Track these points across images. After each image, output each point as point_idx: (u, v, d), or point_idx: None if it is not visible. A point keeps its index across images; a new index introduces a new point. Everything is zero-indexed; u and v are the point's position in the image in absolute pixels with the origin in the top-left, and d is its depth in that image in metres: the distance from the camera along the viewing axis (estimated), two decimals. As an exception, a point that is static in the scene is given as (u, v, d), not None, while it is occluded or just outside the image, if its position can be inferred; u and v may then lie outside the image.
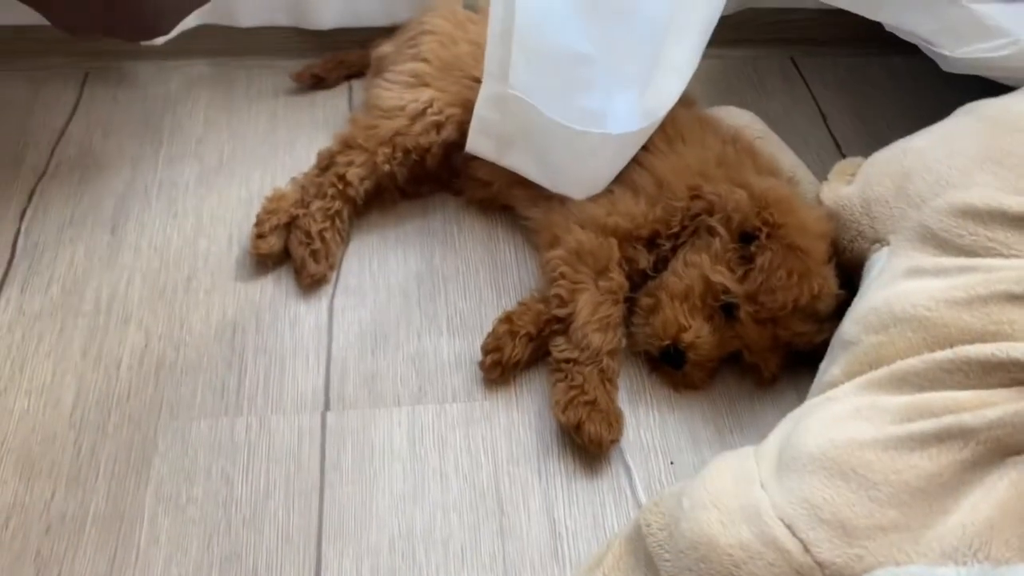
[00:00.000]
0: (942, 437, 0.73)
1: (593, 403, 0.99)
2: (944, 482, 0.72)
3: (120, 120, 1.35)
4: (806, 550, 0.70)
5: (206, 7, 1.34)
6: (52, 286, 1.12)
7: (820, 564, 0.70)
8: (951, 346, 0.81)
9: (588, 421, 0.98)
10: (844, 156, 1.27)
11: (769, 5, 1.53)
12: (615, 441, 1.00)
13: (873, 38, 1.39)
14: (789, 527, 0.72)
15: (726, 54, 1.54)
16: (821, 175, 1.18)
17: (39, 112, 1.35)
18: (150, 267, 1.15)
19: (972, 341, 0.80)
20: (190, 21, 1.35)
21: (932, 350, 0.82)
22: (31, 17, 1.28)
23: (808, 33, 1.56)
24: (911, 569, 0.67)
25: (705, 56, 1.14)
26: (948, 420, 0.74)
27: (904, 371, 0.81)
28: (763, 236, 1.01)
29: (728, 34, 1.47)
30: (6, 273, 1.13)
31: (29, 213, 1.21)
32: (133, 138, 1.32)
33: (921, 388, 0.80)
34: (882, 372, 0.83)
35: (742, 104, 1.33)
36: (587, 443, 0.98)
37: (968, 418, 0.74)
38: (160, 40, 1.29)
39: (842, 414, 0.79)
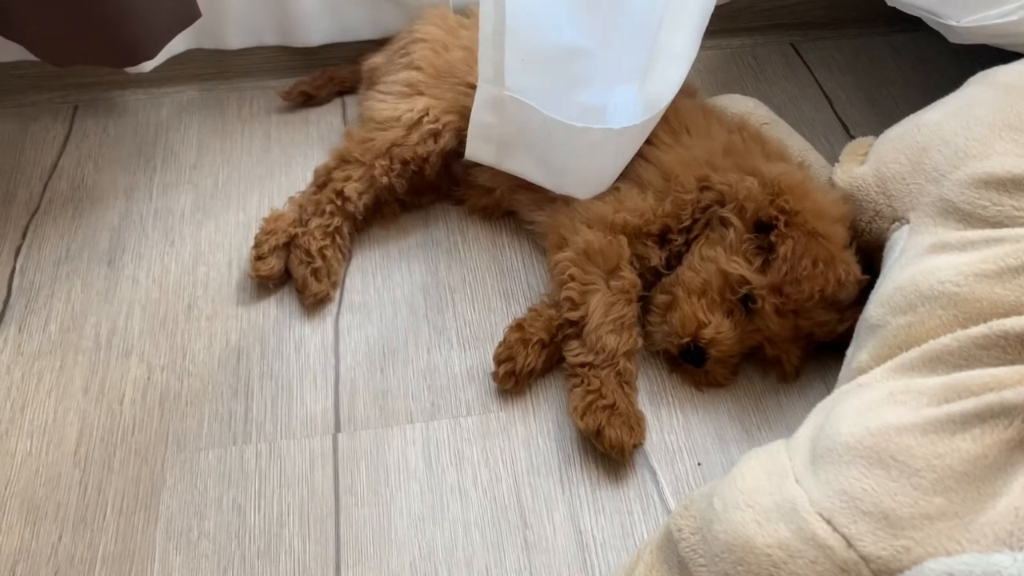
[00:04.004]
0: (984, 416, 0.69)
1: (612, 407, 0.95)
2: (990, 464, 0.68)
3: (112, 151, 1.32)
4: (849, 545, 0.66)
5: (193, 31, 1.32)
6: (50, 324, 1.09)
7: (865, 559, 0.66)
8: (984, 321, 0.77)
9: (608, 426, 0.94)
10: (853, 138, 1.24)
11: (765, -9, 1.51)
12: (638, 445, 0.96)
13: (874, 16, 1.36)
14: (829, 522, 0.68)
15: (724, 44, 1.51)
16: (831, 159, 1.15)
17: (29, 148, 1.32)
18: (149, 298, 1.12)
19: (1007, 314, 0.76)
20: (177, 46, 1.33)
21: (965, 327, 0.78)
22: (16, 53, 1.27)
23: (806, 17, 1.53)
24: (964, 558, 0.63)
25: (703, 47, 1.11)
26: (989, 398, 0.70)
27: (937, 351, 0.77)
28: (781, 224, 0.97)
29: (725, 23, 1.45)
30: (3, 313, 1.10)
31: (24, 251, 1.18)
32: (126, 168, 1.30)
33: (956, 367, 0.76)
34: (913, 353, 0.79)
35: (744, 94, 1.30)
36: (608, 449, 0.95)
37: (1010, 395, 0.69)
38: (148, 66, 1.27)
39: (875, 400, 0.75)
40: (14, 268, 1.16)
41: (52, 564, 0.89)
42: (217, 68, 1.42)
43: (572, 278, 1.02)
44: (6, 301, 1.12)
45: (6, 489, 0.94)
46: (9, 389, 1.03)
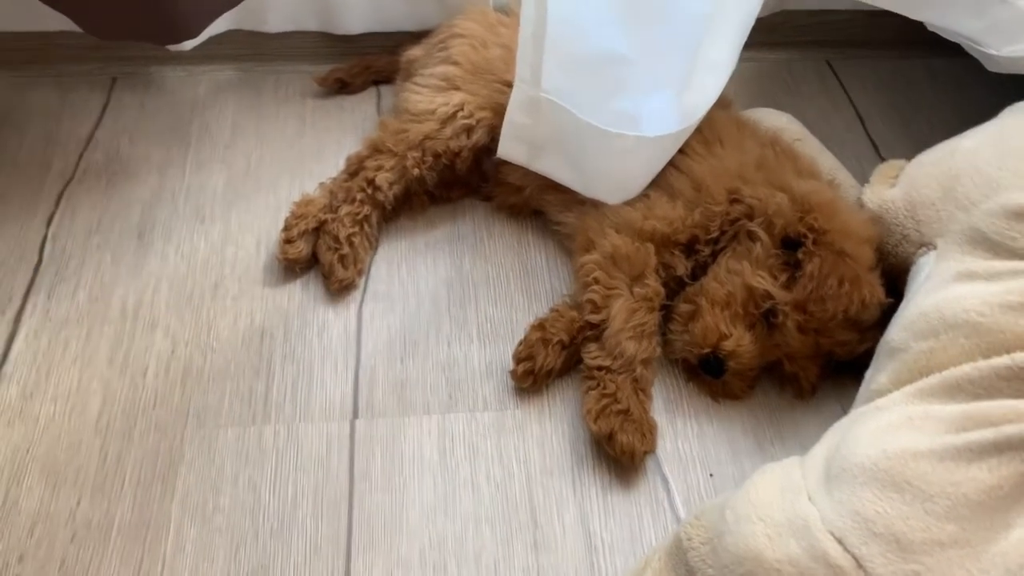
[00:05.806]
0: (1001, 448, 0.70)
1: (626, 412, 0.96)
2: (1005, 495, 0.68)
3: (147, 126, 1.34)
4: (859, 566, 0.67)
5: (235, 13, 1.33)
6: (79, 292, 1.11)
7: (874, 581, 0.66)
8: (1007, 352, 0.77)
9: (620, 431, 0.95)
10: (883, 159, 1.24)
11: (804, 7, 1.50)
12: (648, 452, 0.97)
13: (913, 39, 1.36)
14: (840, 541, 0.69)
15: (760, 57, 1.51)
16: (860, 179, 1.15)
17: (66, 118, 1.34)
18: (177, 273, 1.14)
19: (1030, 348, 0.76)
20: (219, 26, 1.34)
21: (987, 357, 0.78)
22: (59, 23, 1.28)
23: (844, 35, 1.53)
24: (974, 587, 0.63)
25: (739, 59, 1.11)
26: (1008, 430, 0.70)
27: (957, 379, 0.78)
28: (809, 242, 0.98)
29: (762, 36, 1.44)
30: (33, 279, 1.12)
31: (56, 219, 1.20)
32: (160, 144, 1.31)
33: (976, 396, 0.76)
34: (934, 380, 0.80)
35: (777, 108, 1.30)
36: (619, 454, 0.95)
37: (1028, 428, 0.70)
38: (188, 45, 1.28)
39: (893, 423, 0.76)
40: (46, 235, 1.18)
41: (69, 528, 0.90)
42: (256, 50, 1.44)
43: (596, 281, 1.03)
44: (37, 267, 1.13)
45: (28, 452, 0.96)
46: (36, 354, 1.04)
